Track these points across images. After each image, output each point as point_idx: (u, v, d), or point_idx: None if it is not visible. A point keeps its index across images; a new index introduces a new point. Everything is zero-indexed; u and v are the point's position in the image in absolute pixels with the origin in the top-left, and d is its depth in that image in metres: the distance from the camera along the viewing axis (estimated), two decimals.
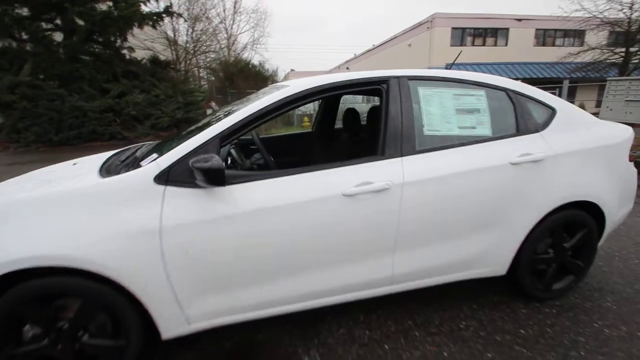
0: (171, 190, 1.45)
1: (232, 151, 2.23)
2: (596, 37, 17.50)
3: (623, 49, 16.61)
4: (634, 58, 16.38)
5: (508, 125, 1.93)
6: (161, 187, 1.44)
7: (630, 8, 16.11)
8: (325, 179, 1.62)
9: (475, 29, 24.89)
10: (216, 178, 1.39)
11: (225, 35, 23.76)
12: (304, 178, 1.60)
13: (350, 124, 2.86)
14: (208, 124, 1.68)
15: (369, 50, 33.21)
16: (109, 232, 1.36)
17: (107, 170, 1.66)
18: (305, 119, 14.25)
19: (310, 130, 3.46)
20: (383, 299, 1.92)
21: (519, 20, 24.63)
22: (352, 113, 2.93)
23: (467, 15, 24.35)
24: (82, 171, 1.73)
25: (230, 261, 1.53)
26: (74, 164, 2.01)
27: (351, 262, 1.71)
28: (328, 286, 1.71)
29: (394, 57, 27.69)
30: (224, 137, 1.56)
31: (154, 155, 1.58)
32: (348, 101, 11.08)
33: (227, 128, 1.55)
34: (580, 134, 2.04)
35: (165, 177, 1.45)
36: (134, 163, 1.65)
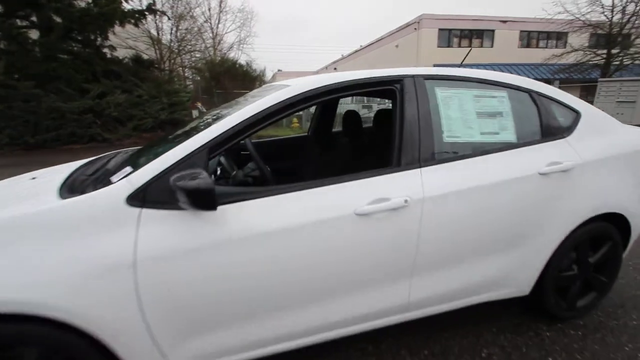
0: (148, 213, 1.18)
1: (222, 160, 1.97)
2: (579, 39, 17.81)
3: (605, 51, 16.92)
4: (616, 59, 16.70)
5: (533, 130, 1.74)
6: (135, 210, 1.17)
7: (612, 11, 16.47)
8: (334, 196, 1.38)
9: (461, 30, 25.12)
10: (204, 200, 1.14)
11: (211, 35, 23.27)
12: (309, 195, 1.36)
13: (351, 128, 2.64)
14: (195, 130, 1.43)
15: (356, 51, 33.15)
16: (69, 269, 1.09)
17: (69, 187, 1.37)
18: (294, 120, 13.88)
19: (306, 134, 3.22)
20: (394, 325, 1.70)
21: (504, 22, 24.94)
22: (352, 115, 2.71)
23: (454, 17, 24.54)
24: (38, 189, 1.45)
25: (223, 297, 1.27)
26: (33, 177, 1.71)
27: (363, 290, 1.48)
28: (335, 318, 1.48)
29: (382, 58, 27.68)
30: (213, 147, 1.29)
31: (128, 168, 1.30)
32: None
33: (218, 136, 1.30)
34: (606, 139, 1.86)
35: (140, 198, 1.18)
36: (103, 178, 1.37)
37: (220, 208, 1.23)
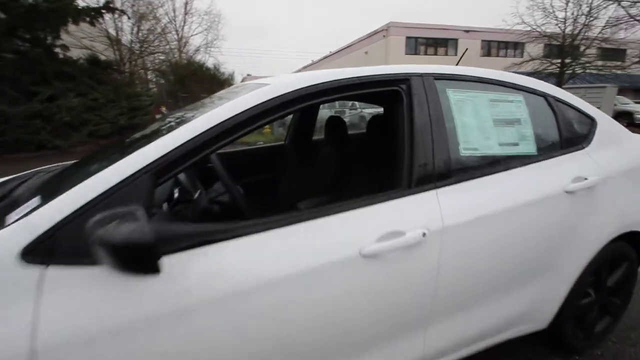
0: (57, 275, 0.78)
1: (182, 177, 1.58)
2: (536, 49, 18.77)
3: (559, 60, 17.90)
4: (569, 68, 17.70)
5: (552, 140, 1.52)
6: (35, 271, 0.77)
7: (564, 23, 17.51)
8: (333, 231, 1.06)
9: (427, 38, 25.86)
10: (140, 261, 0.77)
11: (176, 37, 22.30)
12: (300, 231, 1.02)
13: (335, 136, 2.35)
14: (141, 141, 1.05)
15: (325, 57, 33.23)
16: None
17: None
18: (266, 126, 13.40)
19: (282, 142, 2.89)
20: None
21: (467, 31, 25.94)
22: (336, 122, 2.43)
23: (420, 25, 25.22)
24: None
25: None
26: None
27: (368, 350, 1.17)
28: None
29: (352, 64, 27.82)
30: (162, 170, 0.90)
31: (34, 201, 0.91)
32: None
33: (168, 153, 0.90)
34: (624, 149, 1.69)
35: (44, 250, 0.78)
36: None
37: (171, 260, 0.85)
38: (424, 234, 1.11)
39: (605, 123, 1.70)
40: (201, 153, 0.98)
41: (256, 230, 0.98)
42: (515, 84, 1.48)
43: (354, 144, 2.39)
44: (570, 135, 1.56)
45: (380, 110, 2.40)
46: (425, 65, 1.35)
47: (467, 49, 3.22)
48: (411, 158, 1.20)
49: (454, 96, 1.33)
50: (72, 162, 1.52)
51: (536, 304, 1.48)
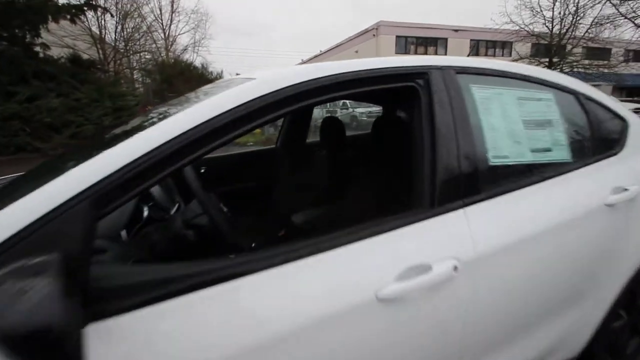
0: None
1: (154, 191, 1.29)
2: (525, 48, 18.89)
3: (547, 59, 18.04)
4: (557, 67, 17.85)
5: (585, 145, 1.34)
6: None
7: (552, 22, 17.68)
8: (341, 268, 0.84)
9: (417, 37, 25.87)
10: (46, 354, 0.50)
11: (162, 36, 21.81)
12: (296, 274, 0.80)
13: (333, 139, 2.15)
14: (83, 154, 0.82)
15: (316, 56, 33.00)
16: None
17: None
18: None
19: (273, 146, 2.67)
20: None
21: (456, 30, 26.02)
22: (333, 123, 2.23)
23: (410, 25, 25.25)
24: None
25: None
26: None
27: None
28: None
29: None
30: (105, 196, 0.66)
31: None
32: None
33: (112, 176, 0.66)
34: None
35: None
36: None
37: (114, 325, 0.62)
38: (455, 268, 0.91)
39: (637, 124, 1.53)
40: (171, 167, 0.74)
41: (239, 271, 0.75)
42: (544, 80, 1.29)
43: (353, 147, 2.20)
44: (603, 139, 1.38)
45: (375, 110, 2.21)
46: (444, 56, 1.15)
47: (477, 42, 3.04)
48: (433, 169, 0.99)
49: (479, 93, 1.13)
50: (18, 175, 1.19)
51: (570, 333, 1.30)
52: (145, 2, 18.42)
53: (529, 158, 1.16)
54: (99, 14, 14.19)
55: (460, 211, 0.99)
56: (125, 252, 0.97)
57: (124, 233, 1.12)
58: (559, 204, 1.14)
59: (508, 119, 1.16)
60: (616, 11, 15.10)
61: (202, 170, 1.98)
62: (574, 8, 16.83)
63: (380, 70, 1.02)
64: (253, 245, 1.33)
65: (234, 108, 0.80)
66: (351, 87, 0.98)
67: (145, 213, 1.23)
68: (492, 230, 1.01)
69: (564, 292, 1.20)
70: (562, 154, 1.24)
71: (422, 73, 1.07)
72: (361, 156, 2.00)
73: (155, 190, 1.28)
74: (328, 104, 13.63)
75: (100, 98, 10.24)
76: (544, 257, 1.09)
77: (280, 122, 2.59)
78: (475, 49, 25.72)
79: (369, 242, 0.88)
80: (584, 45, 18.20)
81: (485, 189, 1.05)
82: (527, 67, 1.31)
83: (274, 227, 1.91)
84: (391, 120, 1.70)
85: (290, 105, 0.88)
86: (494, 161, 1.08)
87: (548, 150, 1.21)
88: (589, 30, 17.23)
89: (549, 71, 1.36)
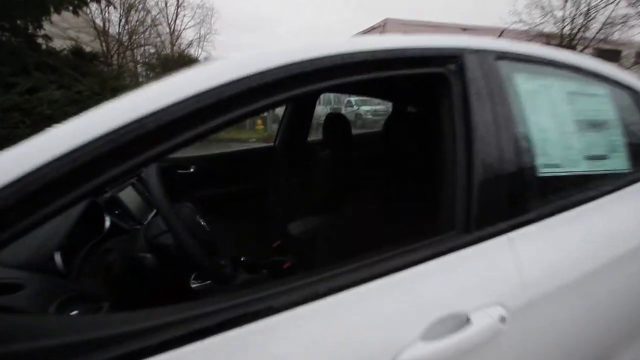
0: None
1: (123, 195, 1.04)
2: None
3: None
4: None
5: None
6: None
7: (562, 22, 17.40)
8: (347, 320, 0.62)
9: None
10: None
11: (168, 30, 21.64)
12: (295, 325, 0.58)
13: (337, 138, 1.94)
14: None
15: None
16: None
17: None
18: (259, 120, 12.67)
19: (272, 144, 2.46)
20: None
21: (464, 29, 25.62)
22: (338, 120, 2.02)
23: (417, 23, 24.93)
24: None
25: None
26: None
27: None
28: None
29: None
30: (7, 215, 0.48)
31: None
32: None
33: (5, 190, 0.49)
34: None
35: None
36: None
37: None
38: (502, 319, 0.69)
39: None
40: (83, 184, 0.54)
41: (218, 326, 0.54)
42: (598, 73, 1.08)
43: (359, 147, 1.99)
44: None
45: (381, 108, 1.99)
46: (481, 38, 0.92)
47: (504, 29, 2.81)
48: (469, 181, 0.78)
49: (524, 85, 0.91)
50: None
51: None
52: None
53: (583, 167, 0.95)
54: (103, 6, 14.03)
55: (504, 237, 0.77)
56: (54, 287, 0.71)
57: (57, 257, 0.83)
58: (621, 226, 0.93)
59: (558, 118, 0.95)
60: (631, 12, 14.78)
61: (192, 170, 1.78)
62: (586, 8, 16.54)
63: (398, 51, 0.80)
64: (242, 259, 1.13)
65: (222, 85, 0.60)
66: (368, 70, 0.75)
67: (107, 224, 0.96)
68: (545, 262, 0.79)
69: (624, 331, 0.99)
70: (619, 162, 1.04)
71: (453, 56, 0.84)
72: (369, 158, 1.79)
73: (125, 193, 1.05)
74: (332, 101, 13.39)
75: (102, 91, 10.15)
76: (606, 294, 0.88)
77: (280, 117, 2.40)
78: None
79: (383, 282, 0.65)
80: (595, 46, 17.87)
81: (533, 207, 0.84)
82: (577, 56, 1.10)
83: (267, 236, 1.71)
84: (410, 117, 1.48)
85: (278, 93, 0.65)
86: (543, 171, 0.87)
87: (603, 157, 1.00)
88: (600, 31, 16.93)
89: (604, 64, 1.14)
